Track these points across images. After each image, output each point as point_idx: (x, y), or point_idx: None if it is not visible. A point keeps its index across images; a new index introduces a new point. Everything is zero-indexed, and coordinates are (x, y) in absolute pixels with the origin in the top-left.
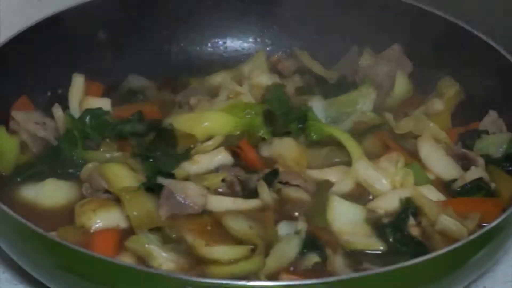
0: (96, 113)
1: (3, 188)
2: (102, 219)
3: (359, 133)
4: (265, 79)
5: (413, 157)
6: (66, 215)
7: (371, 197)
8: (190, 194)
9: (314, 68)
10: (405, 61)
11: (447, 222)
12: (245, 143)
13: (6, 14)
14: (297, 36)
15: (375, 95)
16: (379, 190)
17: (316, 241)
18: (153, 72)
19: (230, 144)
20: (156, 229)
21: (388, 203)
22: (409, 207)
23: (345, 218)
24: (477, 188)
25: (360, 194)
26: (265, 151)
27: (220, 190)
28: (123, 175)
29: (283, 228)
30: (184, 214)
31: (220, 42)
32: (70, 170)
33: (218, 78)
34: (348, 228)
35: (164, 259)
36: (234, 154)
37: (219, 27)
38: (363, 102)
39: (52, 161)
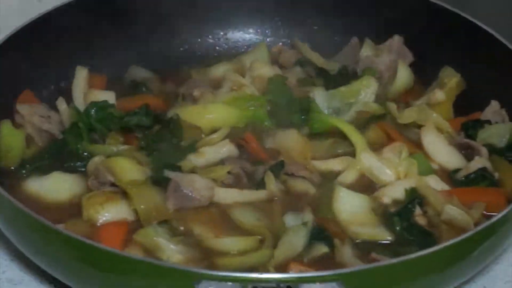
0: (101, 105)
1: (8, 181)
2: (110, 212)
3: (362, 123)
4: (267, 70)
5: (416, 147)
6: (71, 208)
7: (377, 187)
8: (197, 187)
9: (315, 60)
10: (406, 51)
11: (453, 211)
12: (249, 135)
13: (6, 15)
14: (297, 27)
15: (377, 86)
16: (384, 180)
17: (324, 231)
18: (155, 64)
19: (235, 136)
20: (164, 222)
21: (393, 193)
22: (415, 197)
23: (351, 208)
24: (481, 178)
25: (365, 185)
26: (269, 143)
27: (226, 182)
28: (129, 169)
29: (290, 219)
30: (191, 207)
31: (221, 34)
32: (76, 164)
33: (220, 70)
34: (355, 218)
35: (172, 252)
36: (239, 146)
37: (220, 19)
38: (365, 93)
39: (58, 154)
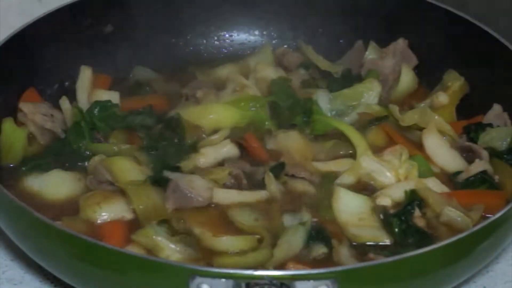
0: (105, 105)
1: (8, 179)
2: (108, 212)
3: (364, 124)
4: (271, 72)
5: (418, 149)
6: (70, 206)
7: (377, 189)
8: (196, 187)
9: (319, 62)
10: (410, 54)
11: (452, 213)
12: (250, 136)
13: (6, 16)
14: (302, 30)
15: (380, 88)
16: (383, 182)
17: (323, 232)
18: (160, 65)
19: (236, 136)
20: (163, 222)
21: (393, 195)
22: (415, 199)
23: (351, 209)
24: (481, 180)
25: (365, 187)
26: (271, 144)
27: (226, 183)
28: (128, 169)
29: (289, 220)
30: (191, 207)
31: (226, 35)
32: (78, 163)
33: (225, 71)
34: (354, 219)
35: (171, 251)
36: (240, 146)
37: (225, 20)
38: (368, 95)
39: (59, 153)
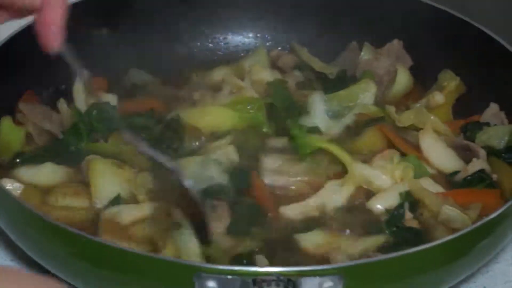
0: (103, 107)
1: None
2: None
3: (361, 125)
4: (266, 75)
5: (415, 150)
6: None
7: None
8: None
9: (314, 64)
10: (405, 55)
11: (450, 212)
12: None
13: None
14: (296, 32)
15: (375, 89)
16: (381, 186)
17: None
18: (155, 68)
19: (238, 141)
20: None
21: (388, 200)
22: (404, 202)
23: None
24: (479, 179)
25: (363, 197)
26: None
27: None
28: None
29: None
30: None
31: (221, 38)
32: (75, 164)
33: (220, 73)
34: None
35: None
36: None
37: (219, 23)
38: (364, 96)
39: (57, 154)
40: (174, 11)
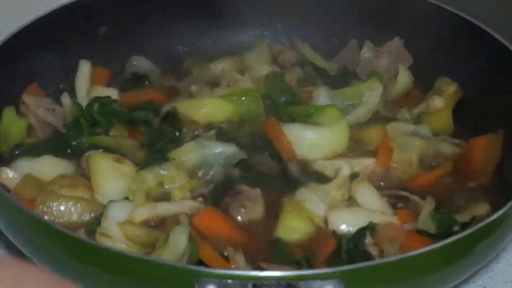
0: (104, 101)
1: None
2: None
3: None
4: (267, 70)
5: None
6: None
7: None
8: None
9: (315, 60)
10: (405, 54)
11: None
12: (275, 126)
13: (6, 16)
14: (296, 29)
15: (381, 89)
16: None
17: None
18: (155, 61)
19: (231, 132)
20: None
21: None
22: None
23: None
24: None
25: None
26: None
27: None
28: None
29: None
30: None
31: (220, 35)
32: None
33: (220, 67)
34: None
35: None
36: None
37: (219, 20)
38: (369, 95)
39: (59, 147)
40: (173, 8)
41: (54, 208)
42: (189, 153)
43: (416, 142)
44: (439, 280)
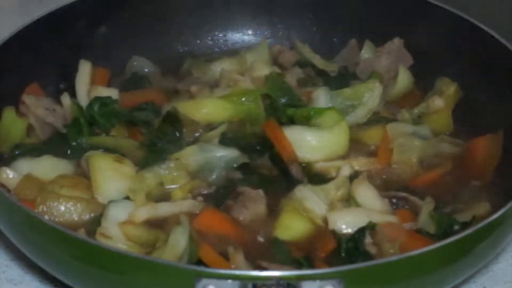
0: (105, 101)
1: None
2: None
3: (367, 122)
4: (267, 71)
5: None
6: None
7: None
8: None
9: (315, 61)
10: (405, 54)
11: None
12: (275, 128)
13: (7, 15)
14: (296, 29)
15: (381, 90)
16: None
17: None
18: (155, 61)
19: (232, 132)
20: None
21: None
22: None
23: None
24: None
25: None
26: None
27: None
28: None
29: None
30: None
31: (220, 35)
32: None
33: (220, 67)
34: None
35: None
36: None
37: (219, 20)
38: (369, 96)
39: (59, 147)
40: (173, 8)
41: (54, 208)
42: (190, 156)
43: (416, 142)
44: (439, 280)
